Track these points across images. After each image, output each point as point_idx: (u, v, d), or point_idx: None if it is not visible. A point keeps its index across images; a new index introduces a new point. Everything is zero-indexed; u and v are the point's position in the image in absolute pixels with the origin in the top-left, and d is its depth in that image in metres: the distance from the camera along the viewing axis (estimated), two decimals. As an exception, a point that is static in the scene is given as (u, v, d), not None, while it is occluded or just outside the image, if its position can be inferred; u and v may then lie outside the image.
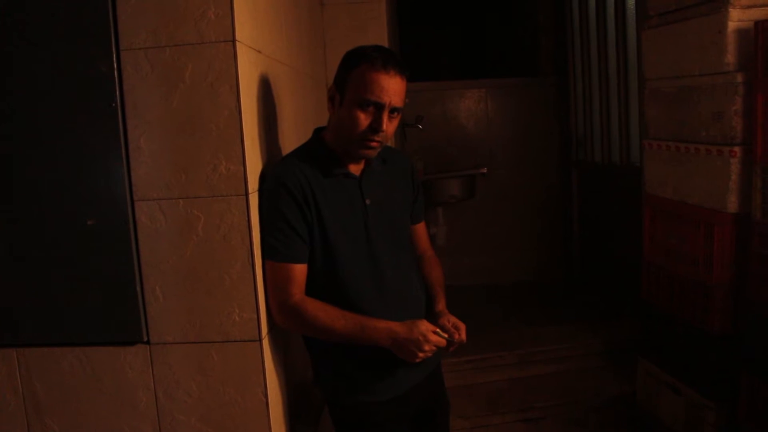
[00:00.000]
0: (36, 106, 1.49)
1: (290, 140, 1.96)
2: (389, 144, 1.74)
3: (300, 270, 1.59)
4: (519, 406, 2.84)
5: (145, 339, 1.56)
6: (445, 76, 4.47)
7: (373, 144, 1.58)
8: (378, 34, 2.77)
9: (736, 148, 2.14)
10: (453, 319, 1.67)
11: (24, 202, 1.53)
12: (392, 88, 1.54)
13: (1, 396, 1.61)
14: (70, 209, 1.52)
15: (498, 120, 4.39)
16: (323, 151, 1.65)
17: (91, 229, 1.52)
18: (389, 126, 1.57)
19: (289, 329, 1.68)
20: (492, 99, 4.37)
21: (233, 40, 1.44)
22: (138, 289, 1.54)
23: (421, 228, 1.90)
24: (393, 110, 1.56)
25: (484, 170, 3.86)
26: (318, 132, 1.72)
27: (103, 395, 1.59)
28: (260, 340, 1.54)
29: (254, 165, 1.56)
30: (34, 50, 1.48)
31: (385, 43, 2.73)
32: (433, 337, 1.55)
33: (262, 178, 1.61)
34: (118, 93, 1.47)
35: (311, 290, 1.61)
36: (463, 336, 1.64)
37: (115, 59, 1.47)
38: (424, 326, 1.56)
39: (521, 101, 4.39)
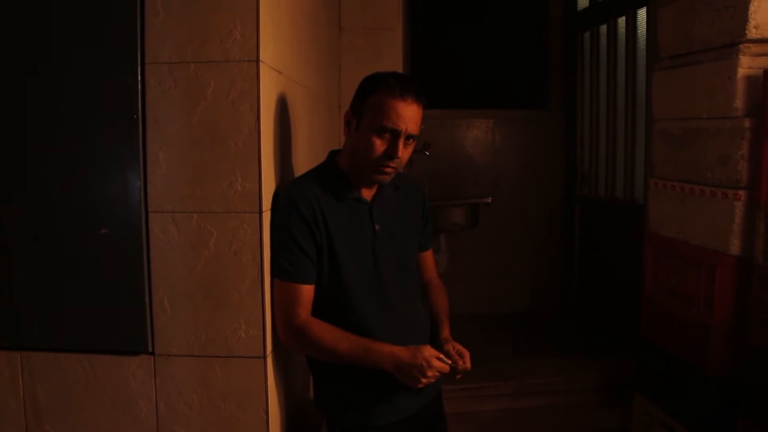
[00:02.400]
0: (59, 114, 1.52)
1: (303, 161, 1.99)
2: (401, 170, 1.77)
3: (307, 290, 1.60)
4: (512, 437, 2.84)
5: (150, 350, 1.57)
6: (453, 104, 4.51)
7: (388, 170, 1.60)
8: (393, 60, 2.81)
9: (741, 192, 2.16)
10: (458, 346, 1.68)
11: (40, 207, 1.55)
12: (409, 115, 1.56)
13: (1, 399, 1.61)
14: (84, 217, 1.54)
15: (504, 151, 4.43)
16: (336, 175, 1.67)
17: (104, 238, 1.53)
18: (404, 153, 1.59)
19: (293, 349, 1.69)
20: (499, 130, 4.41)
21: (257, 60, 1.47)
22: (146, 299, 1.55)
23: (428, 255, 1.92)
24: (408, 137, 1.59)
25: (489, 200, 3.88)
26: (332, 155, 1.75)
27: (104, 403, 1.60)
28: (264, 357, 1.55)
29: (269, 184, 1.58)
30: (60, 60, 1.51)
31: (400, 69, 2.78)
32: (437, 363, 1.56)
33: (275, 197, 1.63)
34: (140, 105, 1.50)
35: (318, 311, 1.62)
36: (468, 363, 1.65)
37: (139, 72, 1.50)
38: (428, 352, 1.56)
39: (528, 133, 4.43)
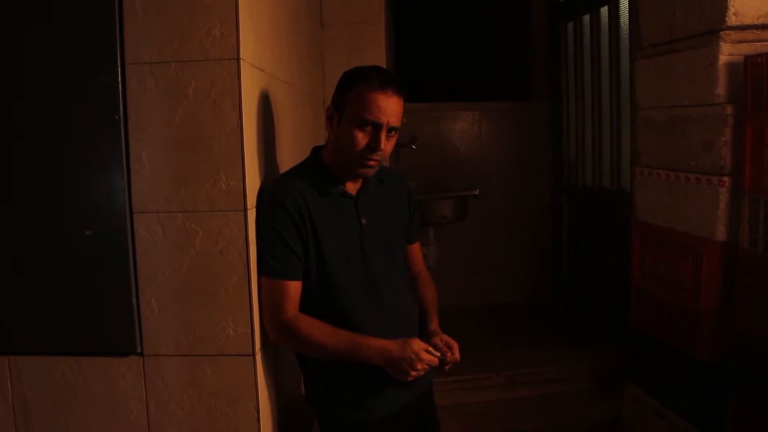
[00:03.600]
0: (40, 116, 1.51)
1: (288, 157, 1.98)
2: (385, 163, 1.77)
3: (294, 287, 1.60)
4: (505, 427, 2.84)
5: (139, 350, 1.57)
6: (439, 97, 4.51)
7: (371, 163, 1.60)
8: (377, 55, 2.81)
9: (725, 178, 2.18)
10: (446, 338, 1.69)
11: (23, 210, 1.54)
12: (390, 108, 1.56)
13: (-9, 403, 1.61)
14: (68, 219, 1.53)
15: (491, 143, 4.43)
16: (321, 170, 1.67)
17: (89, 240, 1.53)
18: (387, 145, 1.60)
19: (282, 345, 1.69)
20: (486, 122, 4.42)
21: (237, 58, 1.47)
22: (133, 300, 1.55)
23: (416, 248, 1.93)
24: (390, 129, 1.59)
25: (476, 192, 3.89)
26: (316, 151, 1.75)
27: (94, 405, 1.59)
28: (254, 354, 1.55)
29: (253, 181, 1.58)
30: (39, 61, 1.50)
31: (384, 64, 2.78)
32: (426, 356, 1.56)
33: (260, 194, 1.63)
34: (121, 106, 1.49)
35: (306, 307, 1.62)
36: (457, 355, 1.65)
37: (120, 73, 1.49)
38: (417, 345, 1.57)
39: (514, 125, 4.44)
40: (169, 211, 1.52)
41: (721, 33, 2.16)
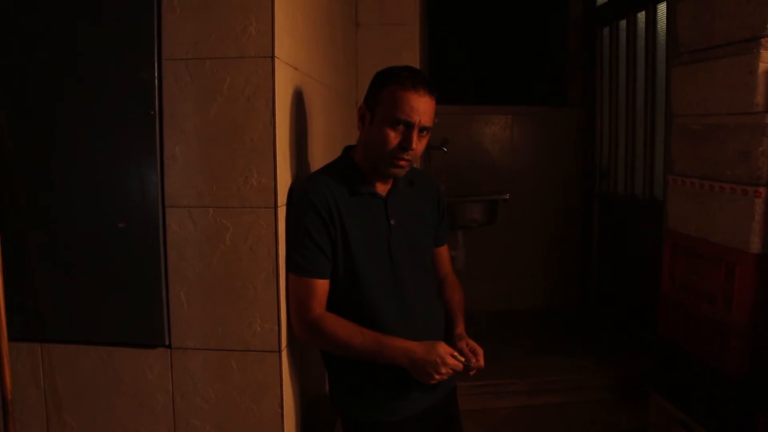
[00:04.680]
0: (78, 109, 1.54)
1: (319, 156, 1.99)
2: (417, 164, 1.77)
3: (322, 285, 1.61)
4: (528, 434, 2.83)
5: (167, 343, 1.59)
6: (472, 100, 4.50)
7: (402, 163, 1.60)
8: (410, 55, 2.81)
9: (761, 189, 2.14)
10: (472, 343, 1.68)
11: (60, 201, 1.57)
12: (422, 107, 1.56)
13: (23, 389, 1.64)
14: (102, 211, 1.56)
15: (523, 147, 4.41)
16: (351, 170, 1.68)
17: (122, 232, 1.55)
18: (419, 145, 1.60)
19: (308, 343, 1.70)
20: (518, 125, 4.39)
21: (272, 56, 1.48)
22: (163, 293, 1.57)
23: (443, 251, 1.92)
24: (422, 129, 1.59)
25: (507, 196, 3.85)
26: (347, 150, 1.75)
27: (121, 395, 1.62)
28: (279, 351, 1.56)
29: (284, 179, 1.59)
30: (79, 55, 1.53)
31: (417, 65, 2.77)
32: (451, 360, 1.56)
33: (290, 192, 1.64)
34: (157, 101, 1.52)
35: (333, 306, 1.63)
36: (481, 361, 1.65)
37: (156, 68, 1.51)
38: (443, 348, 1.56)
39: (547, 129, 4.41)
40: (200, 206, 1.54)
41: (762, 40, 2.12)
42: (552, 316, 4.28)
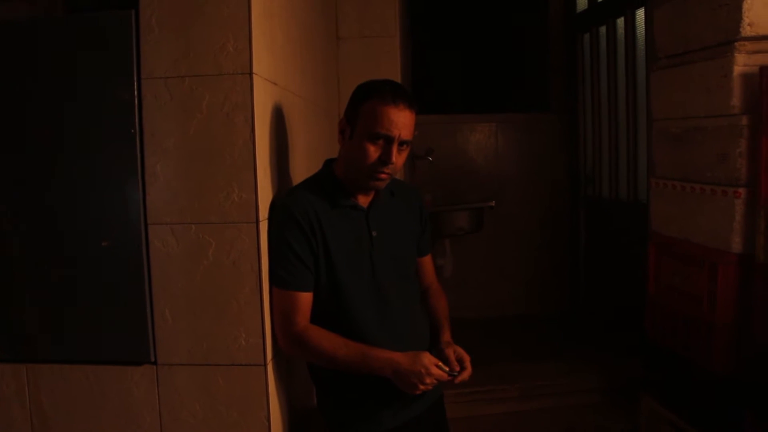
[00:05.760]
0: (57, 129, 1.55)
1: (301, 170, 2.01)
2: (398, 176, 1.78)
3: (305, 298, 1.62)
4: (519, 440, 2.84)
5: (153, 359, 1.59)
6: (455, 109, 4.53)
7: (383, 176, 1.62)
8: (392, 67, 2.83)
9: (741, 189, 2.17)
10: (459, 350, 1.69)
11: (42, 222, 1.58)
12: (401, 121, 1.58)
13: (8, 410, 1.64)
14: (85, 230, 1.57)
15: (507, 154, 4.43)
16: (332, 183, 1.69)
17: (105, 251, 1.56)
18: (398, 158, 1.61)
19: (293, 356, 1.71)
20: (502, 133, 4.42)
21: (250, 73, 1.50)
22: (148, 310, 1.57)
23: (427, 261, 1.93)
24: (402, 143, 1.61)
25: (492, 203, 3.88)
26: (328, 163, 1.77)
27: (108, 413, 1.62)
28: (265, 364, 1.57)
29: (266, 193, 1.60)
30: (58, 76, 1.54)
31: (398, 77, 2.80)
32: (435, 371, 1.57)
33: (272, 207, 1.65)
34: (137, 120, 1.53)
35: (316, 318, 1.63)
36: (468, 367, 1.66)
37: (136, 87, 1.52)
38: (427, 359, 1.57)
39: (531, 136, 4.43)
40: (182, 223, 1.55)
41: (736, 44, 2.15)
42: (540, 321, 4.29)
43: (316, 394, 1.81)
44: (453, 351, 1.69)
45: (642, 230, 3.10)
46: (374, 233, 1.69)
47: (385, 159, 1.58)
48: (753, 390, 2.17)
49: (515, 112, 4.50)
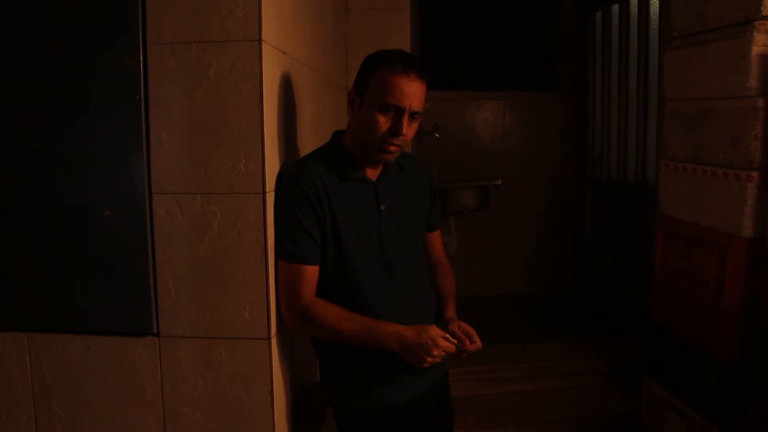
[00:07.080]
0: (62, 95, 1.51)
1: (308, 142, 1.97)
2: (407, 149, 1.75)
3: (311, 271, 1.59)
4: (520, 420, 2.83)
5: (155, 331, 1.57)
6: (463, 85, 4.47)
7: (392, 148, 1.58)
8: (401, 40, 2.78)
9: (754, 173, 2.13)
10: (464, 325, 1.67)
11: (44, 190, 1.55)
12: (412, 91, 1.54)
13: (9, 380, 1.62)
14: (88, 199, 1.53)
15: (515, 133, 4.40)
16: (341, 155, 1.66)
17: (108, 220, 1.53)
18: (409, 130, 1.58)
19: (297, 329, 1.68)
20: (510, 111, 4.38)
21: (259, 40, 1.46)
22: (151, 281, 1.55)
23: (435, 236, 1.91)
24: (413, 114, 1.57)
25: (499, 182, 3.86)
26: (337, 135, 1.73)
27: (110, 384, 1.60)
28: (269, 338, 1.55)
29: (273, 164, 1.57)
30: (63, 40, 1.50)
31: (408, 50, 2.74)
32: (443, 343, 1.55)
33: (279, 178, 1.62)
34: (142, 86, 1.49)
35: (322, 291, 1.61)
36: (478, 342, 1.64)
37: (141, 53, 1.48)
38: (434, 331, 1.55)
39: (539, 115, 4.39)
40: (187, 193, 1.52)
41: (756, 23, 2.10)
42: (544, 302, 4.29)
43: (319, 369, 1.79)
44: (457, 326, 1.67)
45: (649, 213, 3.07)
46: (383, 207, 1.66)
47: (395, 130, 1.55)
48: (758, 376, 2.16)
49: (524, 90, 4.45)
